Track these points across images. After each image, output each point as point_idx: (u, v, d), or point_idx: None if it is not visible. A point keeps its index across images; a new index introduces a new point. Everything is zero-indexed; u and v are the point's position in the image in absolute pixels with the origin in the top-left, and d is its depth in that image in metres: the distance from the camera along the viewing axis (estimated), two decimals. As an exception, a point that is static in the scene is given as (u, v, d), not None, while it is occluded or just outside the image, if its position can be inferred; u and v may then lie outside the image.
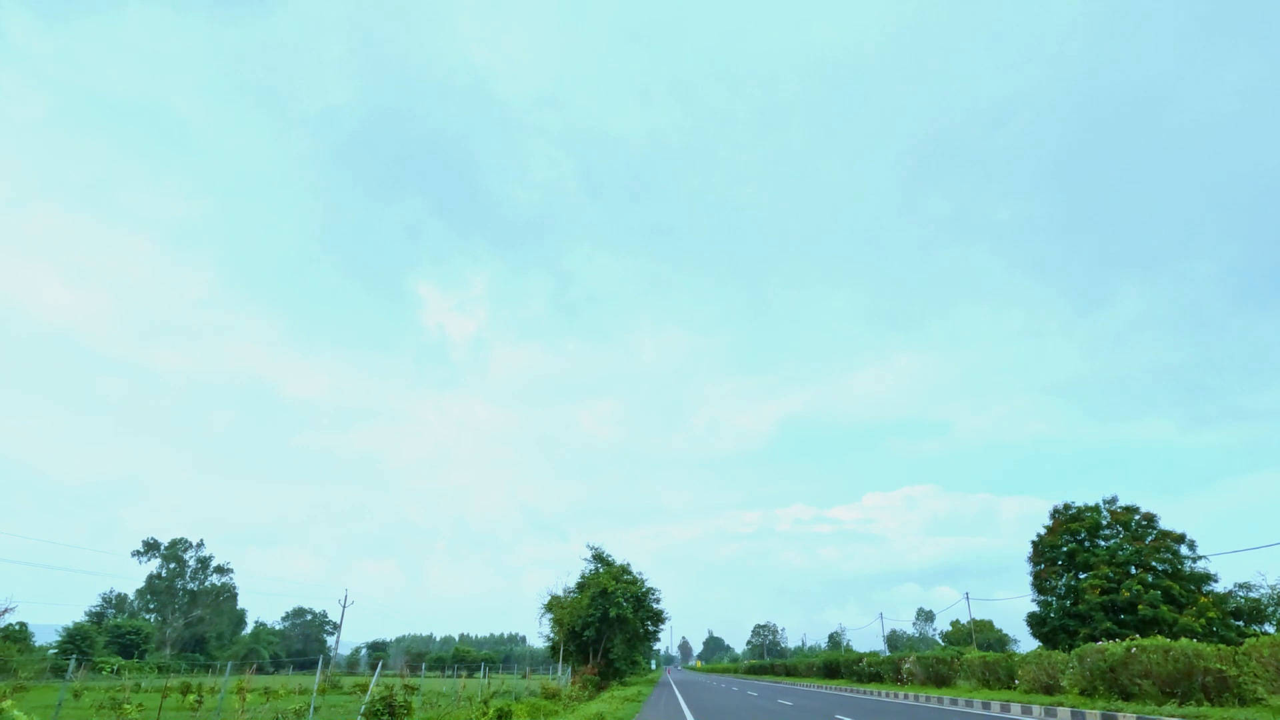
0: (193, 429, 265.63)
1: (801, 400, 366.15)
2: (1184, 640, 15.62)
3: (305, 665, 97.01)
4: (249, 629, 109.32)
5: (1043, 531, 42.52)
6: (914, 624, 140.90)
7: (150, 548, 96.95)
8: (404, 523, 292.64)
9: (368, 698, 14.12)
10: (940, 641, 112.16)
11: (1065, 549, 40.69)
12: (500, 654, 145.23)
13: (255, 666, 44.07)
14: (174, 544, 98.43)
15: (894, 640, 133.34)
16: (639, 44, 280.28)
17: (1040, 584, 41.70)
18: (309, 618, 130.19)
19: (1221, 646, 15.21)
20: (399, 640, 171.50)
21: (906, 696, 28.46)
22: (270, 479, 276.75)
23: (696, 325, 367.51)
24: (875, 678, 40.13)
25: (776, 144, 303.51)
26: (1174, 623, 34.25)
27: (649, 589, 48.78)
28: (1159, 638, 16.74)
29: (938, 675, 32.14)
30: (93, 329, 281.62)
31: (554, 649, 48.32)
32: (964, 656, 30.76)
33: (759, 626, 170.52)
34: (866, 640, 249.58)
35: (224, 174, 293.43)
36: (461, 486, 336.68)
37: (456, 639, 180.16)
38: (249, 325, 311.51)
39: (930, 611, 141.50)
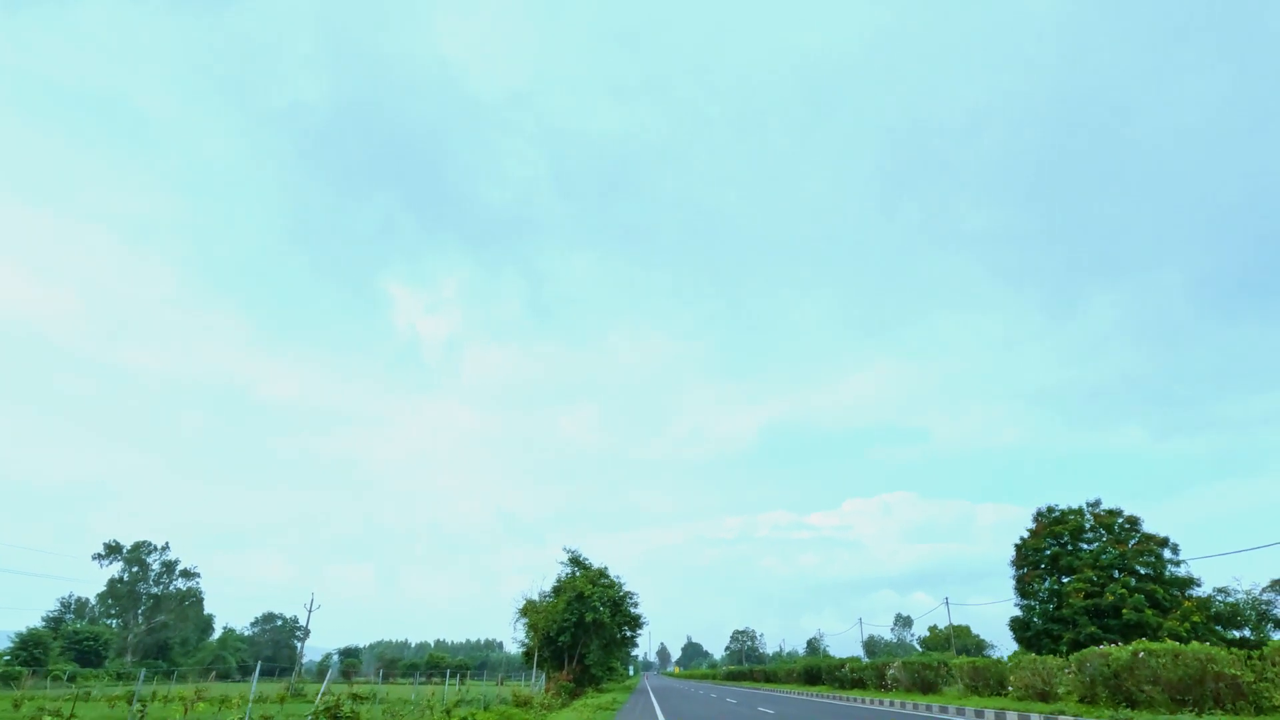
0: (162, 430, 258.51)
1: (782, 406, 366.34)
2: (1195, 644, 14.74)
3: (273, 672, 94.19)
4: (216, 635, 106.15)
5: (1025, 535, 42.02)
6: (892, 629, 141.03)
7: (112, 550, 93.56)
8: (380, 527, 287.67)
9: (313, 708, 12.78)
10: (918, 647, 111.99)
11: (1048, 552, 40.17)
12: (476, 660, 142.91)
13: (215, 674, 42.07)
14: (136, 547, 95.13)
15: (872, 646, 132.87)
16: (615, 43, 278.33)
17: (1023, 588, 41.13)
18: (279, 623, 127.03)
19: (1235, 651, 14.32)
20: (373, 646, 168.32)
21: (894, 704, 27.50)
22: (242, 482, 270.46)
23: (675, 329, 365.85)
24: (858, 684, 39.25)
25: (754, 147, 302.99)
26: (1158, 627, 33.74)
27: (626, 592, 47.48)
28: (1169, 641, 15.85)
29: (924, 681, 31.31)
30: (57, 326, 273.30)
31: (528, 655, 46.87)
32: (951, 662, 29.93)
33: (737, 632, 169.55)
34: (844, 646, 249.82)
35: (189, 169, 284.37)
36: (438, 491, 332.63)
37: (432, 645, 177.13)
38: (219, 324, 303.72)
39: (908, 617, 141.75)
